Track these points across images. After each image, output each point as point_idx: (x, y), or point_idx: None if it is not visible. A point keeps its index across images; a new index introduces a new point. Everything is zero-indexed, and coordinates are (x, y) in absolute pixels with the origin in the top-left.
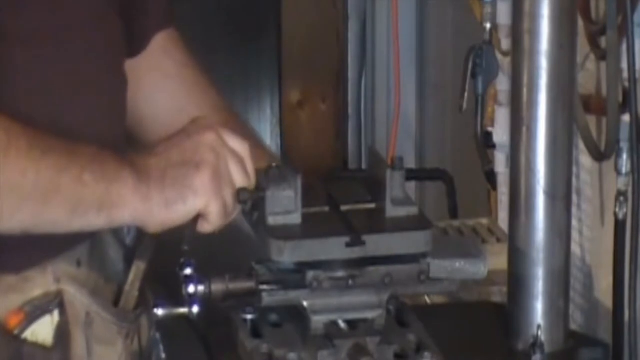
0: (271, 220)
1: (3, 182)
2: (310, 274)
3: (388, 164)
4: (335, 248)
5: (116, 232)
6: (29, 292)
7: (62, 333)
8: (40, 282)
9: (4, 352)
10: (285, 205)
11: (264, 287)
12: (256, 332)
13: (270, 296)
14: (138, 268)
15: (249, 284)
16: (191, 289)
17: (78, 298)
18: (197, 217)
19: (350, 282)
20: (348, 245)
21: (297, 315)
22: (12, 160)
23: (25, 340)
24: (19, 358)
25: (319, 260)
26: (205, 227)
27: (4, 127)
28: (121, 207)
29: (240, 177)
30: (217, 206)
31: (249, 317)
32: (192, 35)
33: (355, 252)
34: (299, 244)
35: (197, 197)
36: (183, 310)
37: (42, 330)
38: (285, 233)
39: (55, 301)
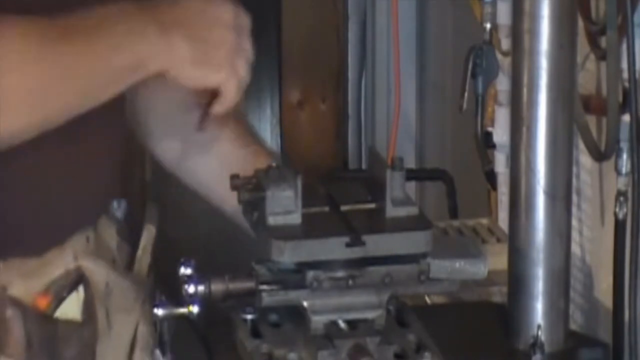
0: (271, 220)
1: (49, 60)
2: (310, 274)
3: (388, 164)
4: (335, 248)
5: (105, 208)
6: (51, 272)
7: (89, 307)
8: (59, 262)
9: (39, 334)
10: (285, 205)
11: (264, 287)
12: (256, 332)
13: (270, 296)
14: (149, 231)
15: (249, 284)
16: (191, 289)
17: (96, 271)
18: (211, 100)
19: (350, 282)
20: (348, 245)
21: (297, 315)
22: (51, 40)
23: (58, 320)
24: (55, 337)
25: (319, 260)
26: (218, 108)
27: (34, 26)
28: (154, 60)
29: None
30: (235, 82)
31: (249, 317)
32: None
33: (355, 252)
34: (299, 244)
35: (219, 73)
36: (183, 310)
37: (71, 308)
38: (285, 233)
39: (78, 277)
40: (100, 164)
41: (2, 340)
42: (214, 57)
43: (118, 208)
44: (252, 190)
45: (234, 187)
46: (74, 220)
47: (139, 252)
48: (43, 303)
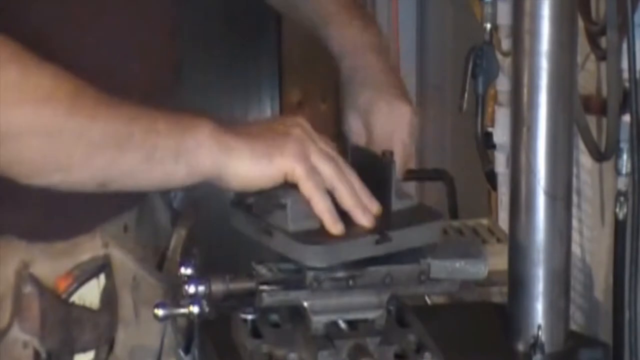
0: (292, 226)
1: (72, 128)
2: (310, 274)
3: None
4: (366, 247)
5: (164, 196)
6: (77, 256)
7: (109, 296)
8: (88, 247)
9: (55, 315)
10: (306, 210)
11: (264, 287)
12: (256, 332)
13: (271, 296)
14: (179, 235)
15: (249, 284)
16: (191, 289)
17: (125, 262)
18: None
19: (351, 282)
20: (378, 242)
21: (297, 315)
22: (80, 107)
23: (73, 304)
24: (69, 321)
25: (353, 260)
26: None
27: (70, 79)
28: (199, 154)
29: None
30: (304, 169)
31: (249, 317)
32: (192, 35)
33: (383, 249)
34: (331, 247)
35: (283, 156)
36: (183, 310)
37: (89, 294)
38: (314, 238)
39: (103, 265)
40: None
41: (20, 315)
42: (280, 145)
43: (174, 198)
44: (266, 197)
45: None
46: (106, 205)
47: (169, 252)
48: (62, 285)
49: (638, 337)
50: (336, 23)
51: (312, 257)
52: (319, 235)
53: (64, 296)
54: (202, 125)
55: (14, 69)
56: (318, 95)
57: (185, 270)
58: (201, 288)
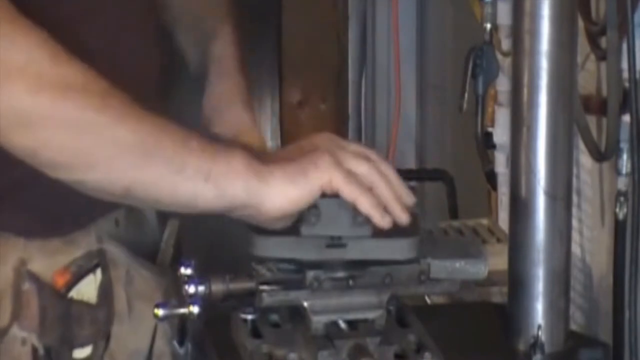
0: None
1: (100, 124)
2: (311, 274)
3: None
4: (314, 248)
5: None
6: (73, 252)
7: (105, 291)
8: (83, 243)
9: (54, 311)
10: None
11: (264, 287)
12: (256, 332)
13: (271, 296)
14: (172, 226)
15: (249, 284)
16: (191, 289)
17: (118, 256)
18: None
19: (351, 282)
20: (328, 246)
21: (297, 315)
22: (111, 105)
23: (72, 299)
24: (68, 316)
25: (295, 258)
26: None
27: (100, 76)
28: (232, 179)
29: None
30: (341, 175)
31: (249, 317)
32: None
33: (334, 254)
34: (279, 240)
35: (318, 169)
36: (184, 310)
37: (87, 289)
38: (269, 230)
39: (98, 260)
40: None
41: (19, 313)
42: (312, 160)
43: None
44: None
45: None
46: (101, 202)
47: (162, 244)
48: (60, 281)
49: (638, 337)
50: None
51: (259, 248)
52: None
53: (62, 292)
54: (235, 151)
55: (46, 56)
56: (318, 95)
57: (185, 270)
58: (201, 288)
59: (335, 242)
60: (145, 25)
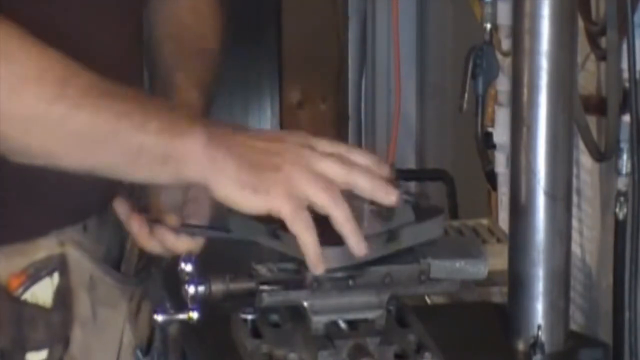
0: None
1: (54, 116)
2: (311, 275)
3: None
4: (377, 247)
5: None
6: (32, 255)
7: (63, 295)
8: (44, 246)
9: (5, 313)
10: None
11: (265, 287)
12: (256, 332)
13: (271, 296)
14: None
15: (249, 284)
16: (191, 289)
17: (81, 261)
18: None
19: (351, 282)
20: (389, 240)
21: (297, 315)
22: (67, 94)
23: (25, 302)
24: (20, 319)
25: (366, 261)
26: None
27: (63, 64)
28: (189, 164)
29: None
30: (289, 210)
31: (249, 317)
32: None
33: (393, 247)
34: (340, 249)
35: (269, 195)
36: (183, 316)
37: (42, 292)
38: (327, 239)
39: (57, 264)
40: None
41: None
42: (264, 183)
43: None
44: None
45: None
46: (67, 209)
47: (127, 252)
48: (14, 283)
49: (638, 337)
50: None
51: (324, 260)
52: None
53: (16, 294)
54: (195, 131)
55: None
56: (318, 95)
57: (186, 267)
58: (201, 288)
59: (392, 236)
60: (120, 29)
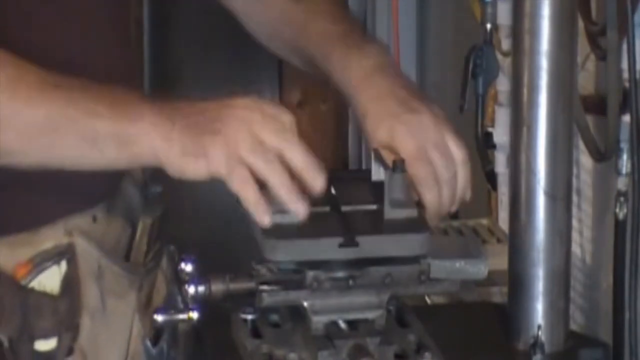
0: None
1: (6, 114)
2: (311, 275)
3: (389, 166)
4: (328, 248)
5: (137, 185)
6: (39, 245)
7: (70, 283)
8: (51, 236)
9: (12, 302)
10: (282, 204)
11: (264, 287)
12: (256, 332)
13: (271, 296)
14: (144, 224)
15: (249, 284)
16: (191, 289)
17: (89, 251)
18: None
19: (351, 282)
20: (341, 245)
21: (297, 315)
22: (18, 92)
23: (32, 290)
24: (26, 307)
25: (312, 260)
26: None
27: (13, 63)
28: (141, 143)
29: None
30: (226, 170)
31: (249, 317)
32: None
33: (349, 253)
34: (291, 243)
35: (207, 157)
36: (183, 316)
37: (49, 280)
38: (280, 232)
39: (64, 253)
40: None
41: None
42: (203, 147)
43: (145, 186)
44: None
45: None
46: (73, 198)
47: (135, 242)
48: (21, 272)
49: (638, 337)
50: (336, 58)
51: (270, 250)
52: (290, 230)
53: (22, 282)
54: (144, 109)
55: None
56: (318, 95)
57: (186, 266)
58: (201, 288)
59: (348, 242)
60: (109, 33)
